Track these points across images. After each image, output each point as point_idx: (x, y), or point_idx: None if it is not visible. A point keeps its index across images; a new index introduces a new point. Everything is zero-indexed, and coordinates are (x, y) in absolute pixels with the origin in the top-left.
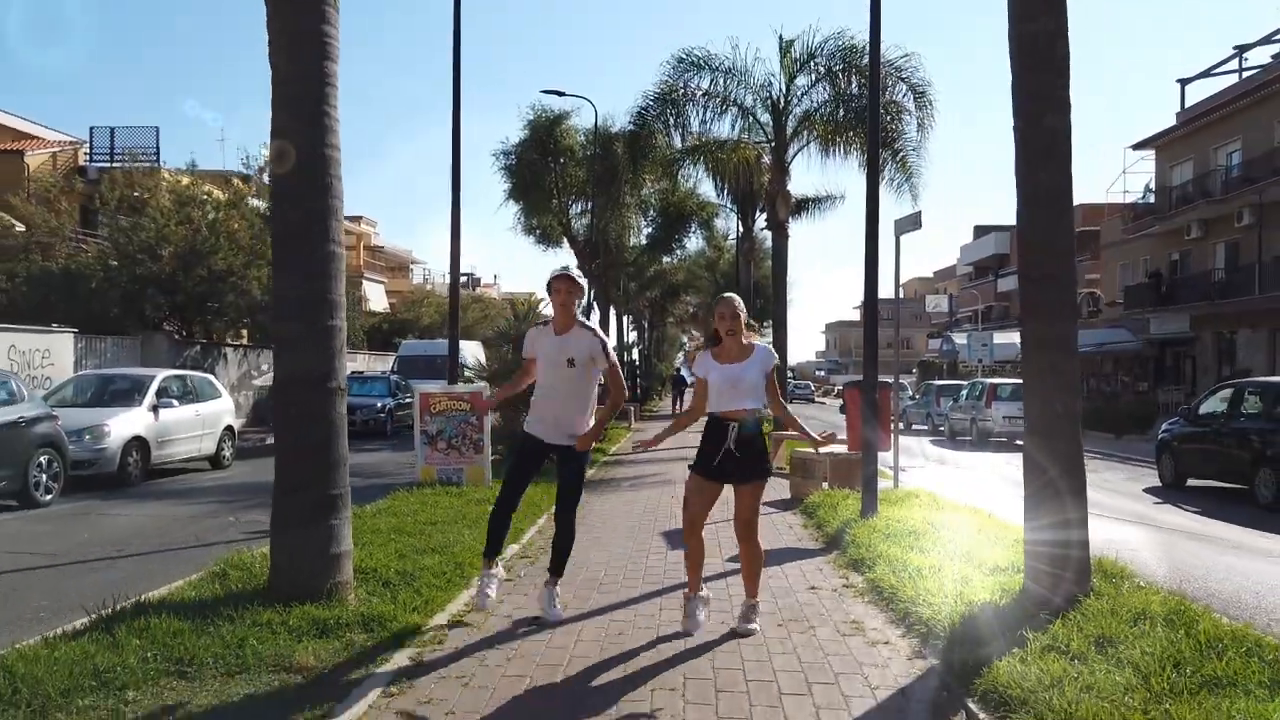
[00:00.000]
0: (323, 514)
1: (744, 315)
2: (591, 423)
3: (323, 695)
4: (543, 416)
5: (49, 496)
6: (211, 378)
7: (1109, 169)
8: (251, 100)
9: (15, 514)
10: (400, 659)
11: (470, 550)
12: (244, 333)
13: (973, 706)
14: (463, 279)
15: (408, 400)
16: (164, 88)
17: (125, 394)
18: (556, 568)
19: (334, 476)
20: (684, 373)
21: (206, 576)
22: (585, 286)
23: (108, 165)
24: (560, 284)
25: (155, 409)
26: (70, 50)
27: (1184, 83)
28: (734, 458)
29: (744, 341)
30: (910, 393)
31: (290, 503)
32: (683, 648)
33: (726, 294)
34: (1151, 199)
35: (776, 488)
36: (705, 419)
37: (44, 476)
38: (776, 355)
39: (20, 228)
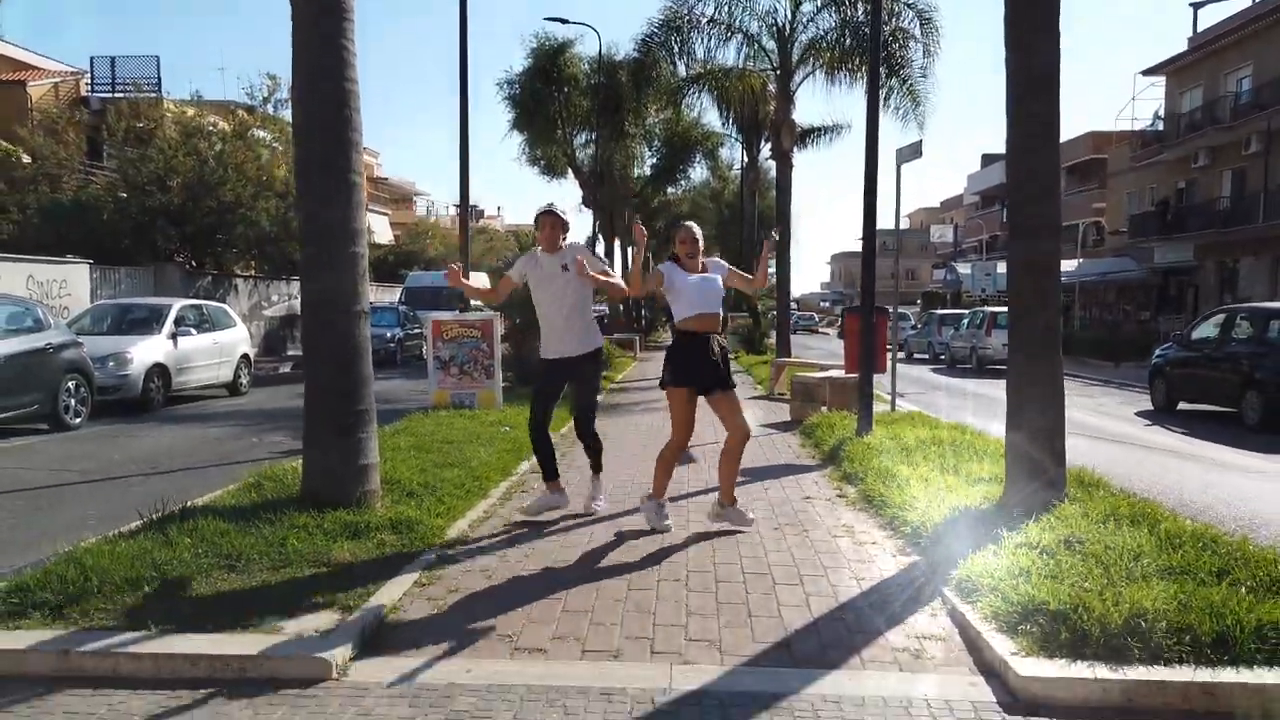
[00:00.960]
0: (350, 428)
1: (702, 242)
2: (594, 324)
3: (361, 586)
4: (550, 336)
5: (78, 420)
6: (226, 307)
7: (1119, 96)
8: (249, 32)
9: (47, 436)
10: (428, 556)
11: (486, 465)
12: (253, 264)
13: (948, 593)
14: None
15: (416, 331)
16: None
17: (144, 322)
18: (596, 466)
19: (360, 393)
20: None
21: (243, 487)
22: (569, 224)
23: (110, 96)
24: (545, 219)
25: (174, 337)
26: None
27: (1196, 7)
28: (715, 367)
29: (701, 263)
30: (912, 322)
31: (320, 417)
32: (687, 548)
33: (686, 222)
34: (1160, 126)
35: (776, 411)
36: (675, 339)
37: (73, 401)
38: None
39: (28, 160)
